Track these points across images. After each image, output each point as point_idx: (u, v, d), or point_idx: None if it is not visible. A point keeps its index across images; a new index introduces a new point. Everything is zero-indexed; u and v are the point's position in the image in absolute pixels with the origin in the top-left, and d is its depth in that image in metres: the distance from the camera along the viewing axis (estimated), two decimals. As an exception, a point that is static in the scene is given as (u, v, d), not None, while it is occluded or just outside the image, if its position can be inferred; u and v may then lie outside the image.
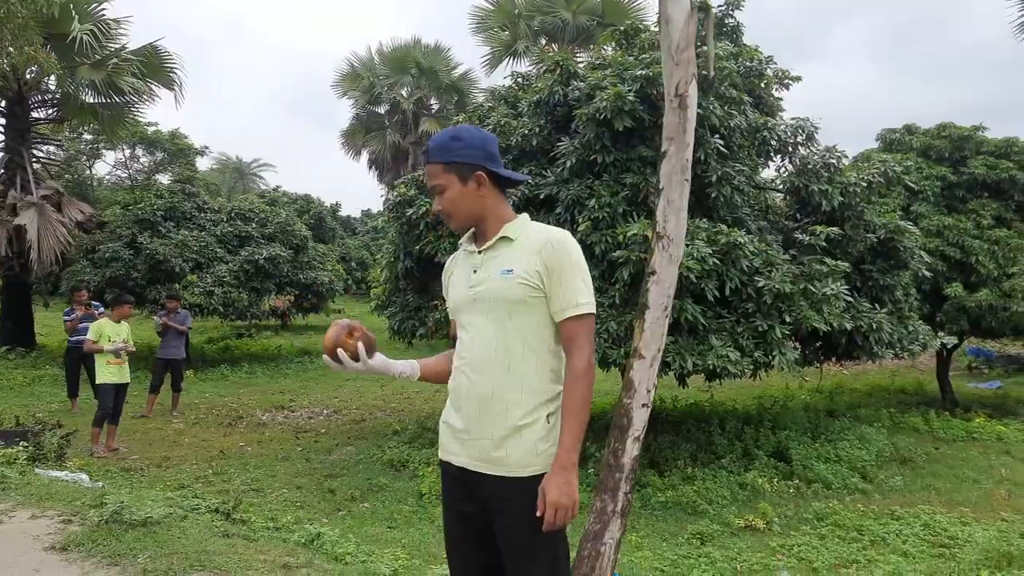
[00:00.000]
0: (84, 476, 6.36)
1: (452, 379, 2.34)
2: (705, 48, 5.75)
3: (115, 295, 10.79)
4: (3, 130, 16.54)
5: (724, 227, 7.65)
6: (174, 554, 4.25)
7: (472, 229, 2.38)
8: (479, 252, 2.31)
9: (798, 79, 10.06)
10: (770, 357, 7.56)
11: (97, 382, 9.05)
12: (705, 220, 7.85)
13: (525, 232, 2.28)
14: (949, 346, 13.32)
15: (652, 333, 4.06)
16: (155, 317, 11.56)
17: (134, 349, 9.53)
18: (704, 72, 6.47)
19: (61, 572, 4.04)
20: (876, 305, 8.93)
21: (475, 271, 2.29)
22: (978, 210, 12.14)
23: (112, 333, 9.14)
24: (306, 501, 7.47)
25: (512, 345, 2.20)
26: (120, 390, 9.16)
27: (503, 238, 2.28)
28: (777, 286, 7.51)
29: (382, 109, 29.67)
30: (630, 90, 7.86)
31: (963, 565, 5.46)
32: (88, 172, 26.77)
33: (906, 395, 14.55)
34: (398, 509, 7.26)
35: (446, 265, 2.52)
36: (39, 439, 7.29)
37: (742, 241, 7.43)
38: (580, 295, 2.20)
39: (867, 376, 16.93)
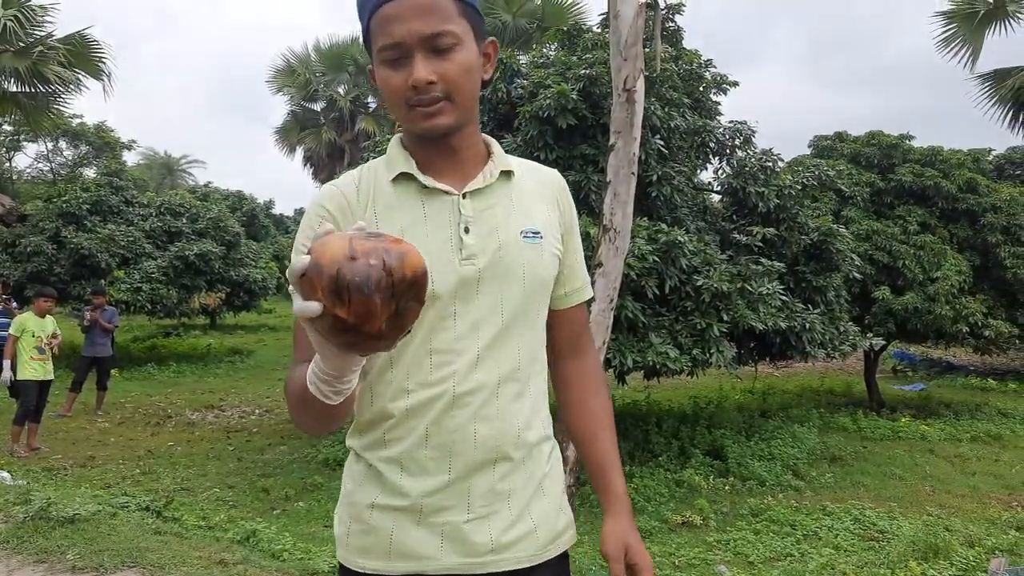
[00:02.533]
0: (6, 475, 6.09)
1: (418, 417, 1.32)
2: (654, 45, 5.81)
3: (36, 289, 10.36)
4: (-84, 116, 15.76)
5: (664, 226, 7.74)
6: (104, 551, 4.09)
7: (399, 151, 1.40)
8: (462, 195, 1.36)
9: (735, 84, 10.25)
10: (708, 355, 7.67)
11: (18, 377, 8.66)
12: (646, 219, 7.94)
13: (516, 163, 1.46)
14: (877, 348, 13.74)
15: (597, 325, 4.08)
16: (84, 313, 11.12)
17: (59, 341, 9.18)
18: (649, 73, 6.53)
19: (-18, 570, 3.85)
20: (809, 306, 9.14)
21: (465, 229, 1.33)
22: (905, 216, 12.54)
23: (36, 328, 8.77)
24: (239, 500, 7.28)
25: (537, 352, 1.43)
26: (43, 387, 8.79)
27: (506, 172, 1.41)
28: (715, 285, 7.63)
29: (318, 106, 29.26)
30: (573, 89, 7.90)
31: (892, 557, 5.61)
32: (8, 164, 25.79)
33: (835, 396, 14.94)
34: (334, 508, 7.11)
35: (327, 203, 1.36)
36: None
37: (682, 240, 7.53)
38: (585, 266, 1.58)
39: (798, 377, 17.34)
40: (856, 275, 10.10)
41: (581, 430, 1.54)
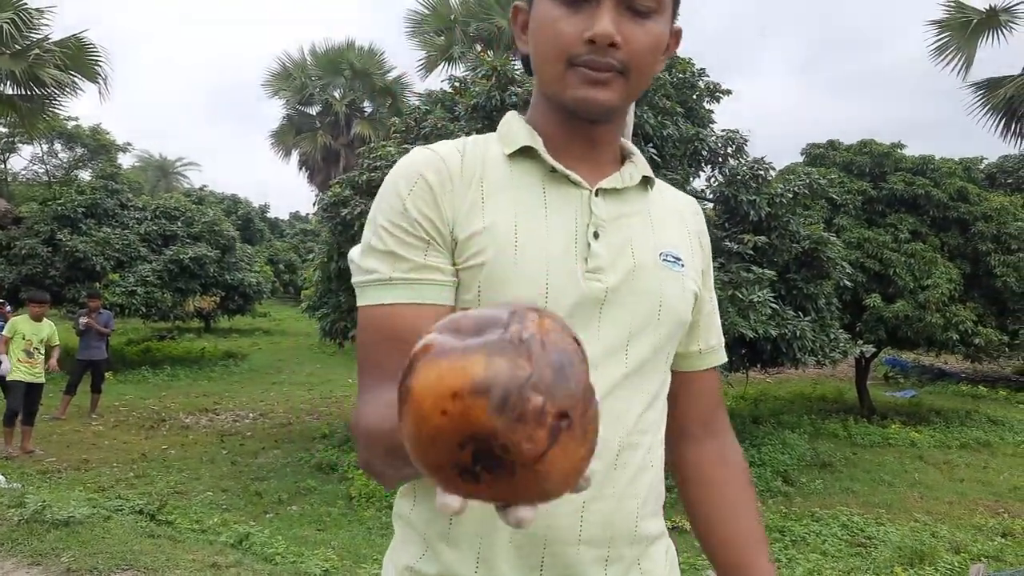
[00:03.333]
0: (0, 477, 6.12)
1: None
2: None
3: (28, 294, 10.38)
4: (-88, 118, 15.78)
5: (656, 234, 7.82)
6: (98, 553, 4.14)
7: (520, 125, 1.08)
8: (593, 191, 1.04)
9: (728, 92, 10.33)
10: (699, 362, 7.74)
11: (8, 379, 8.69)
12: (638, 227, 8.01)
13: (657, 183, 1.15)
14: (868, 355, 13.83)
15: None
16: (79, 316, 11.14)
17: (56, 356, 9.25)
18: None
19: (-23, 573, 3.90)
20: (800, 313, 9.23)
21: (595, 234, 1.02)
22: (896, 224, 12.64)
23: (29, 332, 8.80)
24: (232, 504, 7.32)
25: (663, 411, 1.10)
26: (32, 389, 8.81)
27: (646, 179, 1.11)
28: (706, 293, 7.70)
29: (314, 110, 29.32)
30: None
31: (878, 563, 5.68)
32: (3, 166, 25.79)
33: (826, 402, 15.04)
34: (327, 511, 7.17)
35: (425, 170, 1.02)
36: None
37: (674, 248, 7.60)
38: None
39: (790, 384, 17.44)
40: (847, 283, 10.19)
41: (728, 542, 1.14)
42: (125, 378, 14.94)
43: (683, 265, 1.08)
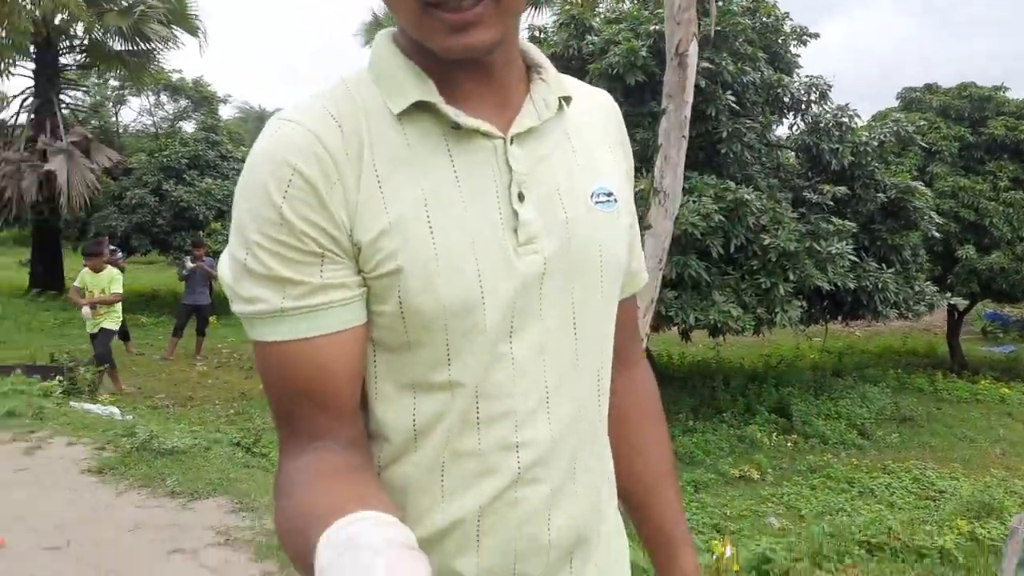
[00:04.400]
0: (115, 410, 6.75)
1: (462, 511, 0.82)
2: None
3: (83, 246, 10.01)
4: (33, 76, 16.81)
5: (732, 184, 7.82)
6: (199, 479, 4.62)
7: (403, 62, 0.81)
8: (508, 139, 0.82)
9: (816, 36, 10.09)
10: (773, 314, 7.78)
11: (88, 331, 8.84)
12: (713, 176, 8.01)
13: (566, 82, 0.91)
14: (961, 308, 13.43)
15: (646, 287, 4.30)
16: (183, 263, 11.83)
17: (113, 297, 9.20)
18: (705, 32, 6.59)
19: (97, 491, 4.42)
20: (883, 265, 9.09)
21: (520, 196, 0.81)
22: (995, 172, 12.15)
23: (89, 283, 8.75)
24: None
25: (607, 372, 0.93)
26: (96, 336, 8.76)
27: (564, 99, 0.87)
28: (782, 244, 7.69)
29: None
30: (643, 45, 7.99)
31: (942, 515, 5.72)
32: (114, 119, 27.12)
33: (916, 357, 14.71)
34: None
35: (298, 162, 0.75)
36: (73, 374, 7.64)
37: (749, 199, 7.60)
38: None
39: (879, 338, 17.07)
40: (936, 233, 9.92)
41: (635, 477, 1.03)
42: (227, 322, 15.79)
43: (615, 200, 0.89)
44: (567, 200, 0.84)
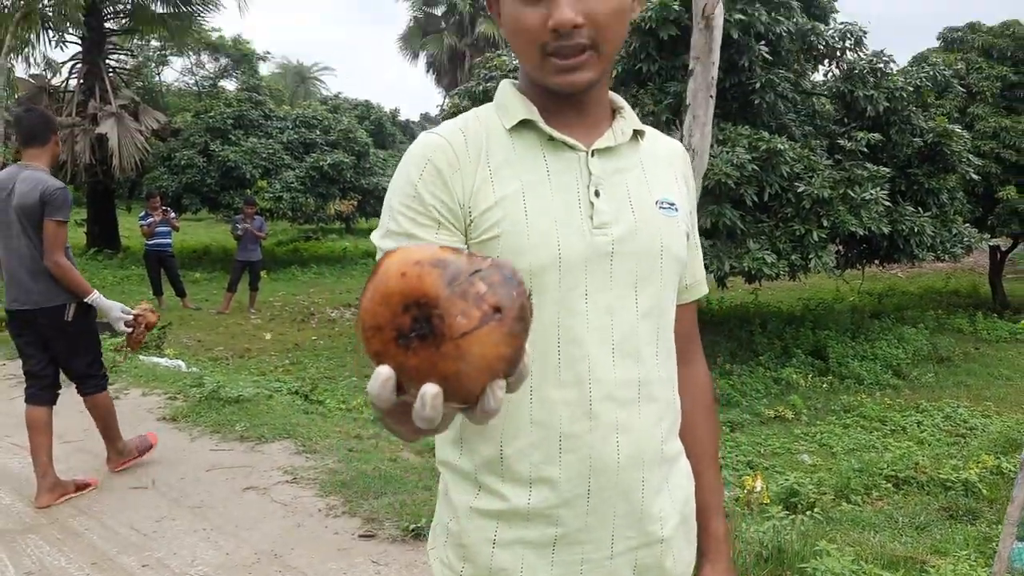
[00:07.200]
0: (181, 363, 7.21)
1: (546, 426, 1.08)
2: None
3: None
4: (80, 42, 17.24)
5: (765, 134, 7.93)
6: (264, 424, 5.03)
7: (515, 96, 1.14)
8: (590, 152, 1.12)
9: (853, -20, 10.01)
10: (807, 260, 7.94)
11: None
12: (747, 127, 8.12)
13: (646, 132, 1.23)
14: (1004, 248, 13.37)
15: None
16: (236, 222, 12.26)
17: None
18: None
19: (174, 436, 4.86)
20: (920, 208, 9.15)
21: (596, 193, 1.10)
22: (1039, 112, 11.99)
23: None
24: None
25: (672, 349, 1.20)
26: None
27: (637, 133, 1.19)
28: (816, 191, 7.82)
29: (439, 11, 29.61)
30: (676, -1, 8.06)
31: (968, 450, 5.93)
32: (157, 79, 27.60)
33: (959, 297, 14.70)
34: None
35: (434, 155, 1.09)
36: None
37: (782, 148, 7.72)
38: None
39: (922, 279, 17.02)
40: (974, 176, 9.90)
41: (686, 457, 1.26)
42: (277, 276, 16.36)
43: (677, 209, 1.16)
44: (635, 202, 1.12)
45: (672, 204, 1.16)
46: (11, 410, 5.23)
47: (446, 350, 0.57)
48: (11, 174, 3.81)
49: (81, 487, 3.94)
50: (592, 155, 1.10)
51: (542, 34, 1.01)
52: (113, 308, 3.95)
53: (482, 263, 0.59)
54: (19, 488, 4.01)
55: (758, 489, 5.18)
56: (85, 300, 3.84)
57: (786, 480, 5.03)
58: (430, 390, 0.58)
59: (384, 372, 0.58)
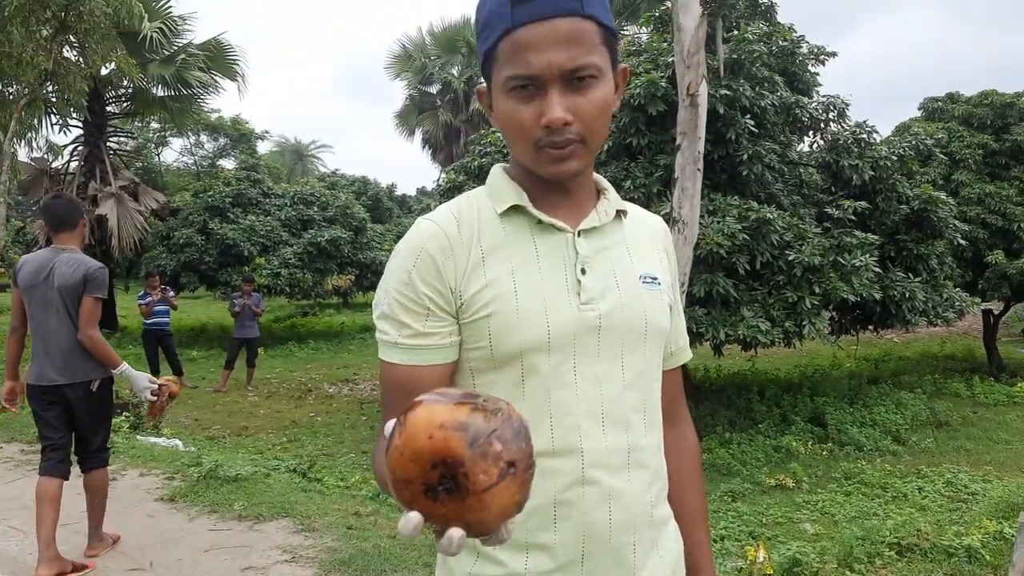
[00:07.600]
0: (178, 442, 7.20)
1: (542, 494, 1.13)
2: (724, 42, 6.21)
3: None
4: (82, 126, 17.59)
5: (755, 204, 8.10)
6: (262, 503, 5.01)
7: (506, 182, 1.23)
8: (576, 233, 1.20)
9: (833, 55, 10.34)
10: (801, 327, 8.01)
11: None
12: (736, 197, 8.29)
13: (628, 210, 1.32)
14: (996, 312, 13.48)
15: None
16: (233, 299, 12.36)
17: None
18: (725, 60, 6.90)
19: (171, 516, 4.83)
20: (910, 274, 9.27)
21: (582, 271, 1.18)
22: (1021, 177, 12.24)
23: None
24: (371, 464, 8.19)
25: (658, 417, 1.27)
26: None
27: (620, 212, 1.28)
28: (807, 259, 7.94)
29: (434, 89, 30.28)
30: (663, 76, 8.32)
31: (969, 515, 5.89)
32: (156, 159, 28.07)
33: (955, 361, 14.74)
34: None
35: (428, 244, 1.16)
36: (138, 410, 8.14)
37: (772, 217, 7.87)
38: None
39: (918, 343, 17.08)
40: (962, 241, 10.06)
41: (676, 517, 1.31)
42: (274, 352, 16.37)
43: (660, 283, 1.24)
44: (620, 278, 1.20)
45: (655, 279, 1.24)
46: (9, 493, 5.21)
47: (471, 503, 0.67)
48: (48, 258, 3.98)
49: (79, 569, 3.92)
50: (579, 235, 1.18)
51: (535, 130, 1.09)
52: (141, 378, 4.12)
53: (496, 421, 0.69)
54: (16, 572, 3.98)
55: (761, 559, 5.14)
56: (114, 371, 4.00)
57: (788, 550, 5.00)
58: (456, 534, 0.68)
59: (415, 519, 0.68)
